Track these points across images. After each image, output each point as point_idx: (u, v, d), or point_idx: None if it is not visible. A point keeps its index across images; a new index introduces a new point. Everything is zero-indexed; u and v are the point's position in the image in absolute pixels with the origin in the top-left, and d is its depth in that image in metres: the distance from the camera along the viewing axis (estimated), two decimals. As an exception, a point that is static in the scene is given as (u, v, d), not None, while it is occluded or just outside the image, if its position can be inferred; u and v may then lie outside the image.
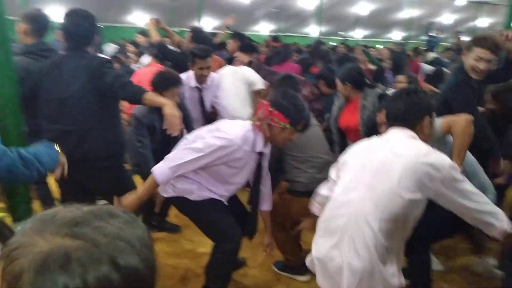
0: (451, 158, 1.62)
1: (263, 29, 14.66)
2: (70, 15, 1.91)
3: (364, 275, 1.34)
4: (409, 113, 1.51)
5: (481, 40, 2.18)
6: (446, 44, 11.71)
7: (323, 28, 12.30)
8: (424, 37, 13.30)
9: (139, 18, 11.28)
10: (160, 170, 1.73)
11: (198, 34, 3.50)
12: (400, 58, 4.73)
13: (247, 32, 13.74)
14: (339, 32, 12.28)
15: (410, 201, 1.32)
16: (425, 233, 1.76)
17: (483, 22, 15.25)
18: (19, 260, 0.45)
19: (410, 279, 1.87)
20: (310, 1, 11.95)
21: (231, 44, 4.17)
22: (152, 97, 1.89)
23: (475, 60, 2.16)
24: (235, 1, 11.23)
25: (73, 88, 1.84)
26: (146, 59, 4.18)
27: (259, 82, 3.27)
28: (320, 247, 1.47)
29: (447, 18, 15.16)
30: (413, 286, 1.93)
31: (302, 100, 1.90)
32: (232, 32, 4.43)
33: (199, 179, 1.87)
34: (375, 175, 1.39)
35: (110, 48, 7.15)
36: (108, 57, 1.99)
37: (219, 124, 1.90)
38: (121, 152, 2.13)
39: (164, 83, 2.37)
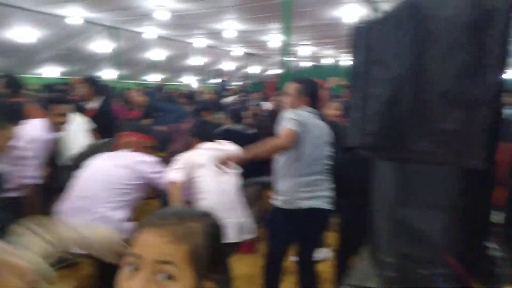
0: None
1: (49, 72, 13.31)
2: None
3: None
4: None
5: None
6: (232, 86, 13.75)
7: (119, 72, 12.34)
8: (213, 81, 15.25)
9: None
10: None
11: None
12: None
13: (28, 75, 12.22)
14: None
15: None
16: None
17: (254, 69, 18.71)
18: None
19: None
20: (102, 45, 11.79)
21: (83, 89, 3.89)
22: None
23: None
24: (18, 40, 9.88)
25: None
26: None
27: None
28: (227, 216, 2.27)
29: (228, 66, 17.81)
30: None
31: None
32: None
33: None
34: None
35: None
36: None
37: None
38: None
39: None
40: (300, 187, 2.33)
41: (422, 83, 1.17)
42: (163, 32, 11.57)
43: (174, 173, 2.29)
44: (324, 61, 18.43)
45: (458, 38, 1.11)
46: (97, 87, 3.76)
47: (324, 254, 3.22)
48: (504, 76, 1.29)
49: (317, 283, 2.57)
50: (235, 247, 2.45)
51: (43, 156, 2.55)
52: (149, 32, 11.32)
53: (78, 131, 3.15)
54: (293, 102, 2.46)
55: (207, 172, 2.39)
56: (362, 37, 1.25)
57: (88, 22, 9.51)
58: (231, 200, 2.43)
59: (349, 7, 7.83)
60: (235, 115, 3.86)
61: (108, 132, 3.28)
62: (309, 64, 19.76)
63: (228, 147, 2.61)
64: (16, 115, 2.52)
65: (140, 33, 11.39)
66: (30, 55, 11.26)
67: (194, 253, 0.72)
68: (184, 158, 2.41)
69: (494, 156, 1.41)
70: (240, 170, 2.61)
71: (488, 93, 1.18)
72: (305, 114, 2.37)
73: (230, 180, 2.47)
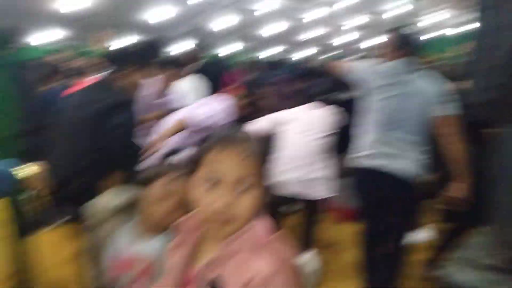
0: None
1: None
2: None
3: None
4: None
5: None
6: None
7: (237, 47, 13.04)
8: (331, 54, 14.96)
9: None
10: None
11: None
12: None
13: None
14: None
15: None
16: None
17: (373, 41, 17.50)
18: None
19: None
20: (220, 22, 12.64)
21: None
22: None
23: None
24: (152, 21, 11.37)
25: None
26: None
27: None
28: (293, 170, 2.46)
29: (346, 38, 17.10)
30: None
31: None
32: None
33: None
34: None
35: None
36: None
37: None
38: None
39: None
40: (373, 143, 1.98)
41: None
42: (278, 5, 11.75)
43: (258, 123, 2.42)
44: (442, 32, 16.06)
45: None
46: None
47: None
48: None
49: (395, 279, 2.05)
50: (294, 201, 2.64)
51: None
52: (263, 7, 11.68)
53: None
54: None
55: (289, 128, 2.50)
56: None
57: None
58: (305, 156, 2.49)
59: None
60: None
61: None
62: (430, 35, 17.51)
63: (319, 112, 2.65)
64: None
65: (253, 10, 11.83)
66: (165, 33, 12.84)
67: (261, 163, 0.81)
68: (273, 116, 2.59)
69: None
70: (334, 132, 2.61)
71: None
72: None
73: (311, 138, 2.54)
